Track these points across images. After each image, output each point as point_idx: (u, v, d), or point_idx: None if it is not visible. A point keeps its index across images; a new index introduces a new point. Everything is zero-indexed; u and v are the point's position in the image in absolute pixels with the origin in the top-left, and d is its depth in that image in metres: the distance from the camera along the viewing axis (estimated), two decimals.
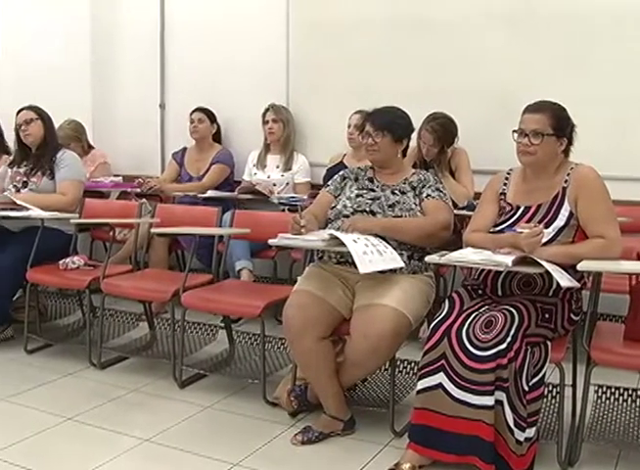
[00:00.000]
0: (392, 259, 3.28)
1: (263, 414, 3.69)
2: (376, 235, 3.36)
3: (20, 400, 3.89)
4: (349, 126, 5.30)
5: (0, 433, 3.50)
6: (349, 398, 3.63)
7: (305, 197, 5.07)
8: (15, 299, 4.93)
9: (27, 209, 4.59)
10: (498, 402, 2.88)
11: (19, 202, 4.63)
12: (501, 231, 3.23)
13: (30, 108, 5.00)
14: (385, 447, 3.33)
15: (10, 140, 5.40)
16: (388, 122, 3.63)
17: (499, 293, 3.23)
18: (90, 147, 6.28)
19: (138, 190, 5.65)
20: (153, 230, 4.44)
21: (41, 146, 4.98)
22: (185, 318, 4.10)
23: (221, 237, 4.55)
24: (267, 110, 5.63)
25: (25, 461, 3.19)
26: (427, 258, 3.14)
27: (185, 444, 3.35)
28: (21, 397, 3.94)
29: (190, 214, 4.67)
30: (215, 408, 3.78)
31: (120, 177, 6.00)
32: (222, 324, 4.59)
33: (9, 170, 5.08)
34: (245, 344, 4.54)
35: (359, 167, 3.83)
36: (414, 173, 3.71)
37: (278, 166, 5.59)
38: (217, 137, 5.97)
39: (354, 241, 3.18)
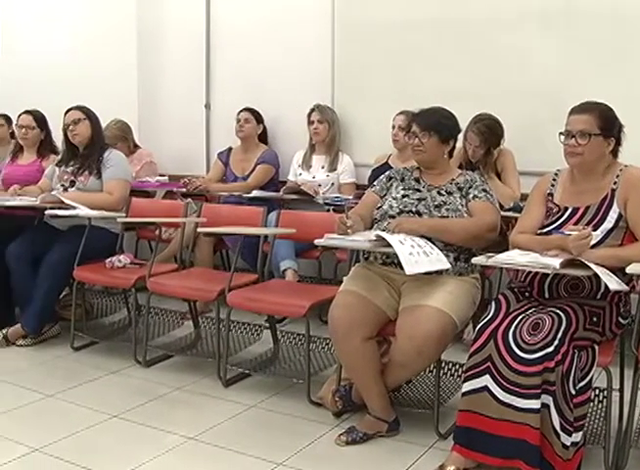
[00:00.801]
0: (439, 261, 3.26)
1: (307, 414, 3.69)
2: (422, 236, 3.35)
3: (66, 397, 3.94)
4: (394, 127, 5.29)
5: (48, 428, 3.55)
6: (394, 399, 3.61)
7: (350, 197, 5.07)
8: (61, 297, 5.00)
9: (75, 208, 4.64)
10: (544, 406, 2.84)
11: (66, 201, 4.68)
12: (548, 233, 3.20)
13: (78, 108, 5.05)
14: (429, 449, 3.31)
15: (58, 140, 5.45)
16: (435, 123, 3.61)
17: (546, 295, 3.19)
18: (136, 146, 6.33)
19: (184, 190, 5.68)
20: (199, 230, 4.47)
21: (89, 146, 5.03)
22: (230, 318, 4.12)
23: (266, 237, 4.56)
24: (313, 110, 5.63)
25: (73, 456, 3.23)
26: (474, 260, 3.13)
27: (229, 442, 3.36)
28: (67, 393, 3.99)
29: (235, 214, 4.68)
30: (260, 408, 3.79)
31: (166, 177, 6.04)
32: (266, 324, 4.61)
33: (57, 170, 5.13)
34: (289, 344, 4.55)
35: (405, 168, 3.82)
36: (460, 174, 3.70)
37: (323, 167, 5.59)
38: (263, 137, 5.98)
39: (401, 242, 3.18)
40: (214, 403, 3.86)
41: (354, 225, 3.33)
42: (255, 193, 5.39)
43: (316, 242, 3.37)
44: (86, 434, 3.49)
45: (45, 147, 5.51)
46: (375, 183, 3.79)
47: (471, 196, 3.57)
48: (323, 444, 3.38)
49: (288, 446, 3.32)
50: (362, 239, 3.25)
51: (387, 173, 3.82)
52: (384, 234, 3.23)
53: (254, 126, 5.88)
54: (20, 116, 5.53)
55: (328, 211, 5.05)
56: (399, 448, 3.33)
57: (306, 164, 5.67)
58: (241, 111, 5.88)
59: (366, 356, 3.35)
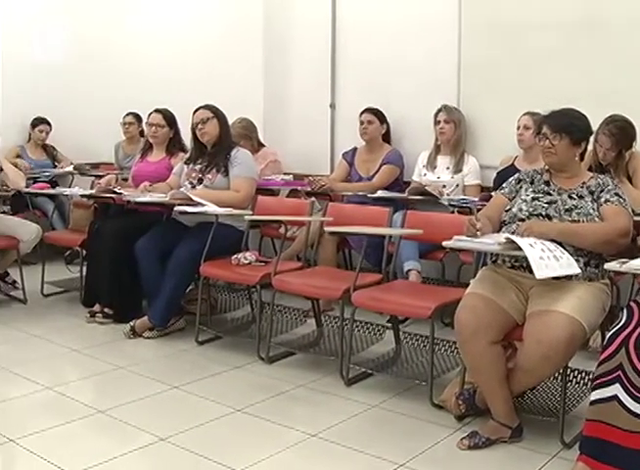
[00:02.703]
0: (569, 265, 3.20)
1: (429, 416, 3.66)
2: (552, 240, 3.28)
3: (191, 389, 4.03)
4: (519, 128, 5.20)
5: (173, 419, 3.65)
6: (518, 405, 3.55)
7: (476, 199, 5.01)
8: (187, 291, 5.11)
9: (203, 205, 4.73)
10: None
11: (195, 198, 4.77)
12: None
13: (207, 107, 5.14)
14: (553, 458, 3.24)
15: (186, 138, 5.57)
16: (567, 124, 3.53)
17: None
18: (260, 145, 6.40)
19: (308, 188, 5.72)
20: (326, 229, 4.49)
21: (216, 144, 5.12)
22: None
23: (390, 237, 4.55)
24: (439, 110, 5.59)
25: (197, 448, 3.30)
26: (607, 266, 3.04)
27: (350, 441, 3.37)
28: (192, 386, 4.08)
29: (360, 214, 4.68)
30: (381, 408, 3.78)
31: (291, 176, 6.09)
32: (388, 324, 4.60)
33: (185, 167, 5.24)
34: (411, 345, 4.54)
35: (535, 170, 3.75)
36: (592, 177, 3.61)
37: (448, 168, 5.54)
38: (387, 137, 5.97)
39: (531, 245, 3.12)
40: (336, 402, 3.88)
41: (483, 227, 3.29)
42: (380, 193, 5.37)
43: (444, 243, 3.34)
44: (210, 426, 3.56)
45: (174, 145, 5.63)
46: (504, 185, 3.74)
47: (602, 200, 3.48)
48: (444, 447, 3.35)
49: (409, 448, 3.31)
50: (491, 241, 3.21)
51: (516, 176, 3.76)
52: (514, 237, 3.19)
53: (378, 127, 5.87)
54: (150, 114, 5.67)
55: (452, 212, 5.01)
56: (522, 456, 3.27)
57: (431, 164, 5.64)
58: (363, 112, 5.88)
59: (491, 360, 3.30)
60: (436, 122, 5.61)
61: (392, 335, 4.45)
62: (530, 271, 3.09)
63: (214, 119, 5.09)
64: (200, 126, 5.09)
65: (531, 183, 3.65)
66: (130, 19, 7.89)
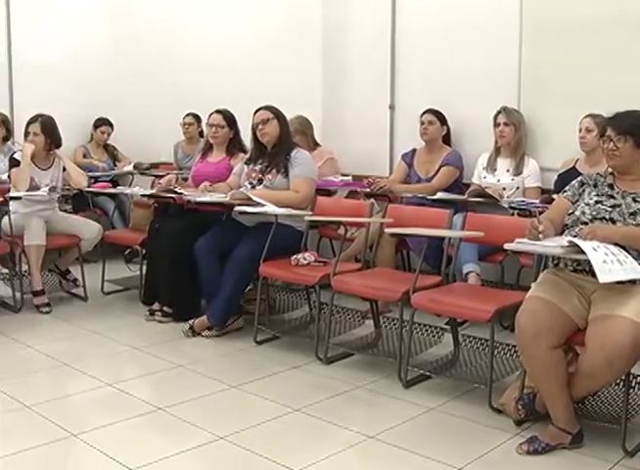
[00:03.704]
0: (633, 270, 3.14)
1: (488, 420, 3.63)
2: (615, 244, 3.23)
3: (249, 389, 4.05)
4: (580, 130, 5.13)
5: (232, 418, 3.69)
6: (578, 410, 3.50)
7: (536, 202, 4.95)
8: (246, 291, 5.13)
9: (263, 205, 4.75)
10: None
11: (254, 198, 4.80)
12: None
13: (267, 108, 5.16)
14: (614, 466, 3.19)
15: (246, 138, 5.60)
16: (631, 126, 3.47)
17: None
18: (316, 144, 6.41)
19: (367, 190, 5.71)
20: (387, 230, 4.47)
21: (276, 145, 5.14)
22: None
23: (450, 239, 4.53)
24: (499, 112, 5.54)
25: (255, 447, 3.32)
26: None
27: (409, 443, 3.36)
28: (250, 385, 4.10)
29: (420, 216, 4.67)
30: (439, 411, 3.76)
31: (350, 177, 6.09)
32: (446, 327, 4.58)
33: (245, 168, 5.27)
34: (470, 347, 4.51)
35: (599, 173, 3.69)
36: None
37: (508, 170, 5.49)
38: (447, 139, 5.94)
39: (594, 249, 3.08)
40: (394, 404, 3.87)
41: (546, 230, 3.25)
42: (440, 195, 5.34)
43: (506, 246, 3.31)
44: (268, 426, 3.58)
45: (234, 145, 5.66)
46: (567, 188, 3.69)
47: None
48: (503, 451, 3.32)
49: (467, 452, 3.29)
50: (554, 245, 3.17)
51: (579, 178, 3.71)
52: (577, 240, 3.15)
53: (438, 128, 5.85)
54: (210, 115, 5.70)
55: (512, 215, 4.97)
56: (582, 462, 3.23)
57: (491, 166, 5.59)
58: (424, 112, 5.86)
59: (552, 365, 3.27)
60: (496, 125, 5.55)
61: (451, 337, 4.43)
62: (593, 275, 3.05)
63: (275, 120, 5.12)
64: (260, 127, 5.11)
65: (595, 186, 3.60)
66: (189, 19, 7.97)
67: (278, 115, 5.16)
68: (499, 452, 3.31)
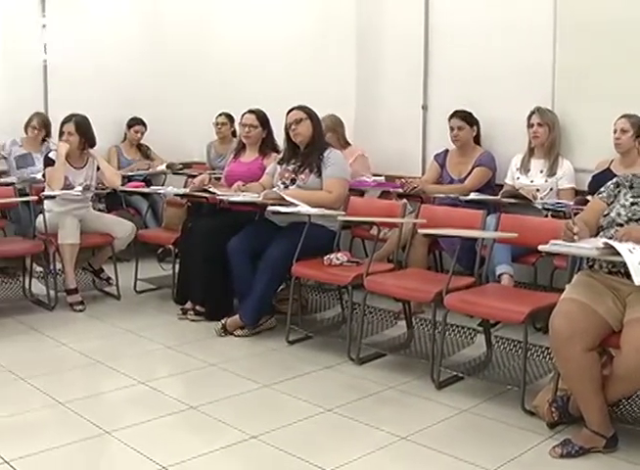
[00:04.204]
0: None
1: (520, 422, 3.61)
2: None
3: (281, 388, 4.06)
4: (615, 131, 5.09)
5: (264, 417, 3.70)
6: (613, 414, 3.47)
7: (570, 203, 4.92)
8: (278, 291, 5.14)
9: (296, 205, 4.75)
10: None
11: (287, 198, 4.80)
12: None
13: (300, 108, 5.17)
14: None
15: (278, 138, 5.62)
16: None
17: None
18: (347, 143, 6.40)
19: (400, 190, 5.70)
20: (420, 231, 4.46)
21: (309, 145, 5.14)
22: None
23: (483, 240, 4.51)
24: (533, 113, 5.50)
25: (287, 446, 3.33)
26: None
27: (441, 445, 3.35)
28: (282, 385, 4.11)
29: (453, 216, 4.65)
30: (472, 412, 3.75)
31: (382, 177, 6.08)
32: (479, 328, 4.57)
33: (278, 167, 5.28)
34: (503, 349, 4.49)
35: (634, 174, 3.65)
36: None
37: (542, 171, 5.45)
38: (477, 138, 5.91)
39: (630, 251, 3.05)
40: (426, 405, 3.86)
41: (580, 232, 3.23)
42: (473, 196, 5.32)
43: (541, 247, 3.29)
44: (300, 425, 3.59)
45: (267, 145, 5.68)
46: (602, 189, 3.66)
47: None
48: (536, 454, 3.30)
49: (499, 454, 3.27)
50: (589, 246, 3.15)
51: (614, 180, 3.68)
52: (612, 242, 3.12)
53: (468, 131, 5.81)
54: (243, 115, 5.72)
55: (546, 216, 4.94)
56: (617, 467, 3.20)
57: (524, 167, 5.55)
58: (451, 116, 5.84)
59: (586, 367, 3.24)
60: (530, 125, 5.52)
61: (484, 339, 4.41)
62: (629, 277, 3.04)
63: (307, 121, 5.12)
64: (293, 127, 5.12)
65: (631, 188, 3.56)
66: (222, 19, 8.00)
67: (311, 115, 5.16)
68: (532, 455, 3.29)
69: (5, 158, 6.97)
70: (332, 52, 6.95)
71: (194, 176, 6.27)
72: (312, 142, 5.14)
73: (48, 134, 6.87)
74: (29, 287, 5.89)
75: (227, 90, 7.68)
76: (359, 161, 6.22)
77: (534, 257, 4.91)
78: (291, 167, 5.18)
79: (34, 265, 5.99)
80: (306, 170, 5.07)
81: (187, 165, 7.80)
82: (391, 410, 3.85)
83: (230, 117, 7.55)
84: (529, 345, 4.07)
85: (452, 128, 5.82)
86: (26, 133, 6.99)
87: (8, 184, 6.25)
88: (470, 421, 3.67)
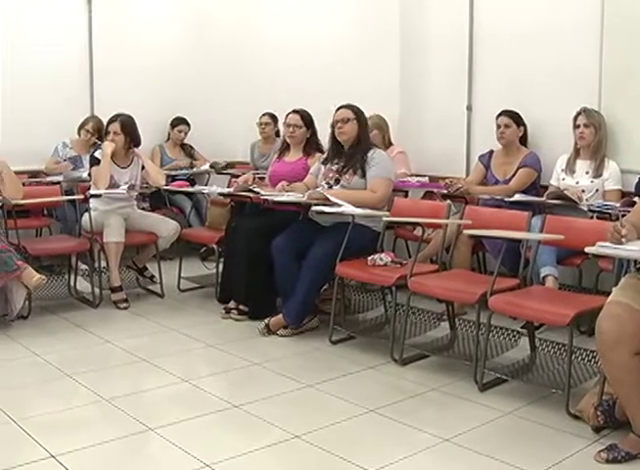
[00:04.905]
0: None
1: (565, 426, 3.57)
2: None
3: (324, 388, 4.07)
4: None
5: (308, 416, 3.71)
6: None
7: (617, 205, 4.87)
8: (321, 291, 5.14)
9: (340, 205, 4.75)
10: None
11: (332, 198, 4.80)
12: None
13: (350, 107, 5.16)
14: None
15: (322, 138, 5.63)
16: None
17: None
18: (391, 144, 6.40)
19: (444, 191, 5.67)
20: (465, 232, 4.45)
21: (353, 145, 5.13)
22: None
23: (527, 241, 4.48)
24: (579, 114, 5.44)
25: (331, 446, 3.33)
26: None
27: (484, 448, 3.33)
28: (325, 384, 4.11)
29: (498, 217, 4.63)
30: (515, 415, 3.72)
31: (426, 177, 6.06)
32: (522, 330, 4.53)
33: (322, 167, 5.28)
34: (547, 352, 4.45)
35: None
36: None
37: (587, 172, 5.39)
38: (523, 139, 5.86)
39: None
40: (469, 407, 3.84)
41: (628, 234, 3.19)
42: (517, 197, 5.28)
43: (588, 249, 3.26)
44: (344, 425, 3.59)
45: (311, 145, 5.68)
46: None
47: None
48: (580, 459, 3.26)
49: (544, 457, 3.24)
50: (638, 249, 3.11)
51: None
52: None
53: (515, 130, 5.76)
54: (287, 115, 5.73)
55: (591, 218, 4.89)
56: None
57: (570, 168, 5.50)
58: (499, 115, 5.79)
59: (634, 372, 3.19)
60: (576, 126, 5.46)
61: (527, 341, 4.38)
62: None
63: (355, 121, 5.11)
64: (339, 125, 5.11)
65: None
66: (266, 19, 8.03)
67: (359, 116, 5.15)
68: (576, 459, 3.25)
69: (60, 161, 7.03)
70: (376, 52, 6.94)
71: (237, 176, 6.29)
72: (356, 143, 5.13)
73: (100, 138, 6.91)
74: (74, 285, 5.96)
75: (271, 90, 7.71)
76: (398, 158, 6.21)
77: (579, 259, 4.85)
78: (334, 167, 5.17)
79: (79, 263, 6.05)
80: (350, 170, 5.07)
81: (230, 165, 7.83)
82: (434, 412, 3.84)
83: (274, 118, 7.56)
84: (574, 348, 4.04)
85: (499, 126, 5.78)
86: (79, 135, 7.06)
87: (54, 183, 6.34)
88: (513, 424, 3.64)
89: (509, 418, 3.69)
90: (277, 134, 7.54)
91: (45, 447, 3.26)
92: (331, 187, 5.10)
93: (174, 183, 6.68)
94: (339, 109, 5.18)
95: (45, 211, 6.81)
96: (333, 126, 5.16)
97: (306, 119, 5.64)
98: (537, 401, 3.88)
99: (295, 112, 5.68)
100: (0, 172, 5.27)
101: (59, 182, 6.35)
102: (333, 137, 5.20)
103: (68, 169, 6.88)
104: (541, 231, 4.36)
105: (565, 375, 3.78)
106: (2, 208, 5.35)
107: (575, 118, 5.45)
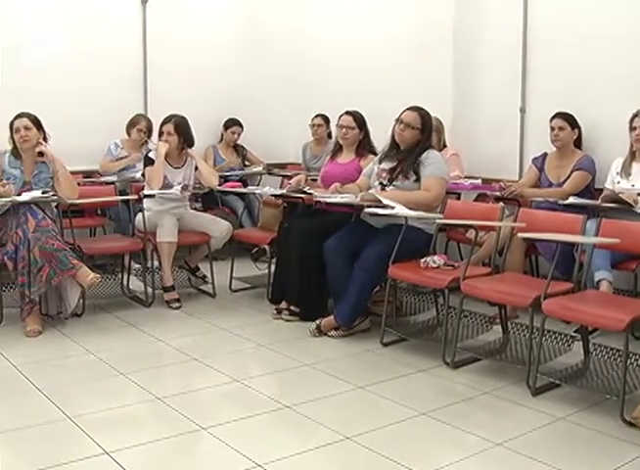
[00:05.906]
0: None
1: (619, 433, 3.52)
2: None
3: (375, 390, 4.06)
4: None
5: (359, 418, 3.72)
6: None
7: None
8: (373, 292, 5.14)
9: (393, 207, 4.73)
10: None
11: (384, 200, 4.79)
12: None
13: (419, 113, 5.10)
14: None
15: (374, 139, 5.64)
16: None
17: None
18: (445, 146, 6.37)
19: (497, 193, 5.63)
20: (520, 235, 4.42)
21: (408, 149, 5.10)
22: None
23: (581, 245, 4.43)
24: (635, 115, 5.34)
25: (381, 448, 3.33)
26: None
27: (537, 453, 3.30)
28: (376, 386, 4.11)
29: (552, 221, 4.58)
30: (568, 420, 3.68)
31: (479, 180, 6.03)
32: (576, 334, 4.49)
33: (375, 168, 5.26)
34: (601, 357, 4.39)
35: None
36: None
37: None
38: (578, 142, 5.79)
39: None
40: (522, 411, 3.80)
41: None
42: (572, 200, 5.22)
43: None
44: (395, 428, 3.58)
45: (364, 147, 5.68)
46: None
47: None
48: (635, 467, 3.21)
49: (597, 464, 3.22)
50: None
51: None
52: None
53: (570, 132, 5.69)
54: (340, 116, 5.74)
55: None
56: None
57: (625, 171, 5.41)
58: (553, 117, 5.73)
59: None
60: (632, 128, 5.37)
61: (581, 346, 4.33)
62: None
63: (417, 130, 5.08)
64: (401, 127, 5.07)
65: None
66: (319, 21, 8.05)
67: (424, 125, 5.10)
68: (631, 467, 3.21)
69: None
70: (429, 54, 6.91)
71: (290, 177, 6.31)
72: (412, 149, 5.09)
73: (149, 137, 6.98)
74: (127, 284, 6.03)
75: (323, 92, 7.73)
76: (452, 159, 6.15)
77: (634, 263, 4.79)
78: (388, 167, 5.15)
79: (132, 263, 6.11)
80: (404, 171, 5.04)
81: (282, 166, 7.85)
82: (486, 416, 3.82)
83: (326, 119, 7.57)
84: (630, 353, 3.99)
85: (553, 128, 5.71)
86: (129, 135, 7.11)
87: (108, 183, 6.41)
88: (566, 429, 3.60)
89: (562, 424, 3.65)
90: (329, 136, 7.56)
91: (99, 444, 3.31)
92: (384, 187, 5.09)
93: (227, 184, 6.72)
94: (407, 109, 5.13)
95: (99, 211, 6.90)
96: (394, 125, 5.12)
97: (359, 121, 5.64)
98: (591, 407, 3.83)
99: (347, 113, 5.68)
100: (56, 172, 5.34)
101: (113, 182, 6.42)
102: (392, 136, 5.18)
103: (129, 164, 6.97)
104: (596, 235, 4.32)
105: (619, 381, 3.74)
106: (57, 207, 5.41)
107: (631, 121, 5.36)
